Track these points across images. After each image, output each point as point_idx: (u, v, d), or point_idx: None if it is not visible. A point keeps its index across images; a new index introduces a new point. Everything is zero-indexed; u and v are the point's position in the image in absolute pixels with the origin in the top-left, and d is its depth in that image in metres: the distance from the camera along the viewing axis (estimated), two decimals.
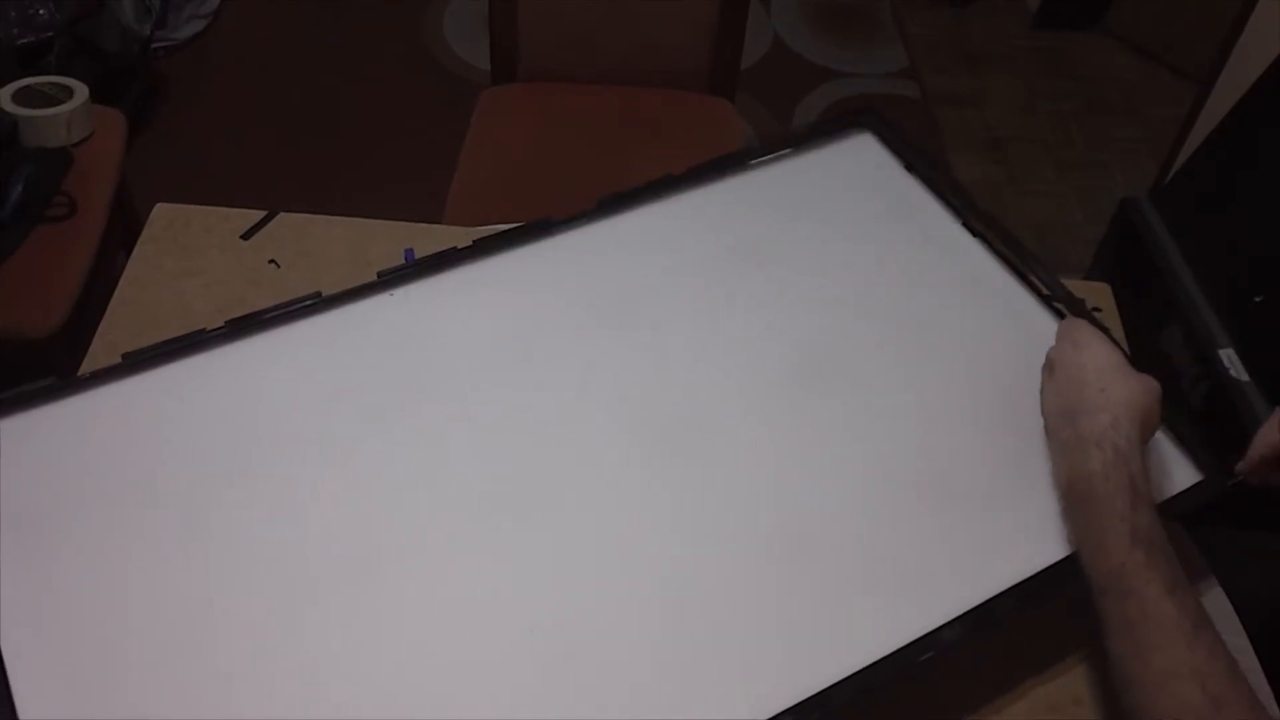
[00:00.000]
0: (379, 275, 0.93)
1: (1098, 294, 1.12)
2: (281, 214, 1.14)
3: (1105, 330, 0.86)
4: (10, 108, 1.60)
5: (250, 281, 1.07)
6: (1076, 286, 1.12)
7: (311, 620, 0.72)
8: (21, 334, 1.47)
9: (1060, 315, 0.93)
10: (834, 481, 0.82)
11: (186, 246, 1.10)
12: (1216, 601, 0.89)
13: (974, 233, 0.99)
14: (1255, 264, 1.51)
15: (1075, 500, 0.75)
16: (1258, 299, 1.47)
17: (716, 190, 1.03)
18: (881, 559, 0.77)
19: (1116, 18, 2.79)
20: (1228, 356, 1.47)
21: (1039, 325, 0.93)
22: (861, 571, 0.77)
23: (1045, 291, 0.95)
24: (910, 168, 1.05)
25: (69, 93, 1.65)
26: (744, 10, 1.65)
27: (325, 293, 0.91)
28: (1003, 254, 0.98)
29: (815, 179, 1.04)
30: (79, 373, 0.86)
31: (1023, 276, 0.96)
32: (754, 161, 1.05)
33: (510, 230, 0.97)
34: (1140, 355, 1.06)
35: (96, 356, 0.99)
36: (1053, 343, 0.84)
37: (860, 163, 1.06)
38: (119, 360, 0.86)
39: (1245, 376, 1.45)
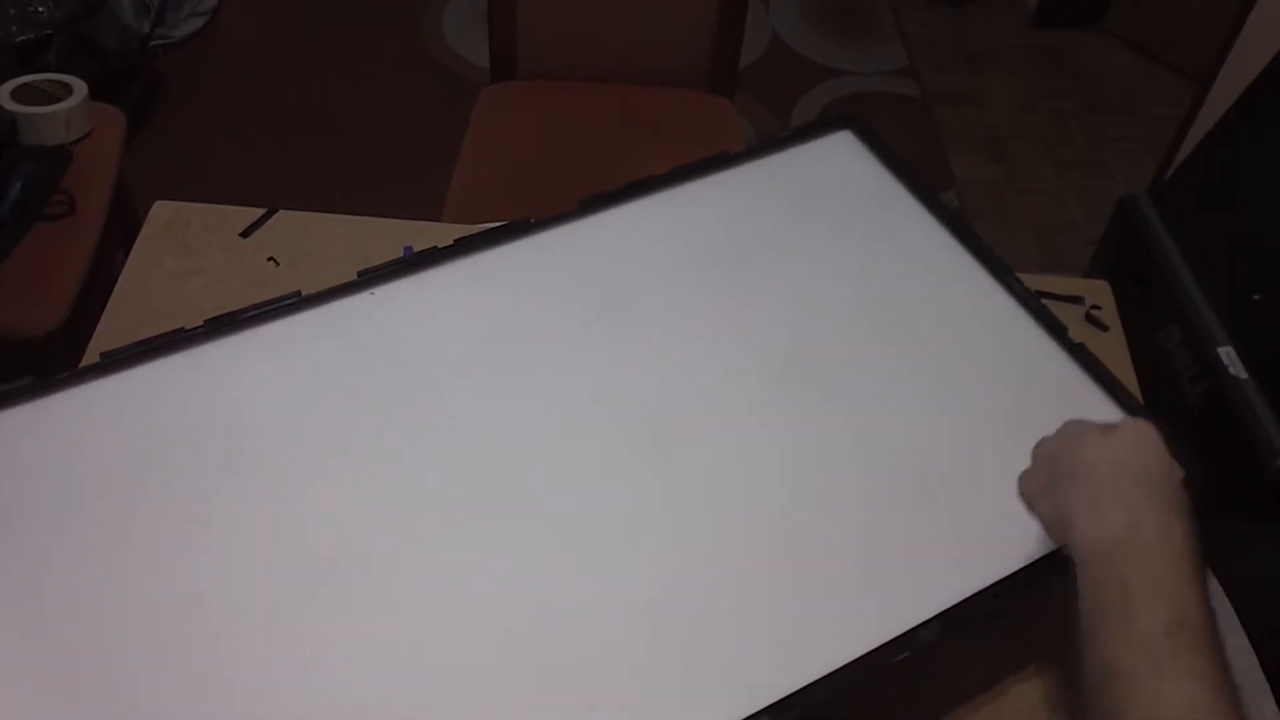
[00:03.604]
0: (359, 274, 0.92)
1: (1097, 292, 1.12)
2: (281, 212, 1.13)
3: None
4: (9, 105, 1.60)
5: (250, 280, 1.07)
6: (1076, 285, 1.13)
7: (291, 620, 0.72)
8: (21, 333, 1.46)
9: (1030, 308, 0.92)
10: (813, 481, 0.81)
11: (186, 245, 1.10)
12: (1216, 600, 0.89)
13: (956, 233, 0.99)
14: (1254, 262, 1.51)
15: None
16: (1257, 297, 1.47)
17: (700, 189, 1.03)
18: (863, 558, 0.77)
19: (1116, 17, 2.79)
20: (1227, 354, 1.47)
21: (1018, 322, 0.93)
22: (842, 571, 0.76)
23: (1019, 288, 0.94)
24: (891, 168, 1.05)
25: (68, 90, 1.65)
26: (743, 9, 1.65)
27: (305, 292, 0.90)
28: (983, 253, 0.98)
29: (798, 178, 1.04)
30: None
31: (1001, 274, 0.96)
32: (737, 162, 1.05)
33: (492, 229, 0.96)
34: (1140, 354, 1.07)
35: (94, 355, 0.98)
36: (1035, 342, 0.82)
37: (841, 162, 1.06)
38: (98, 359, 0.85)
39: (1244, 374, 1.45)
